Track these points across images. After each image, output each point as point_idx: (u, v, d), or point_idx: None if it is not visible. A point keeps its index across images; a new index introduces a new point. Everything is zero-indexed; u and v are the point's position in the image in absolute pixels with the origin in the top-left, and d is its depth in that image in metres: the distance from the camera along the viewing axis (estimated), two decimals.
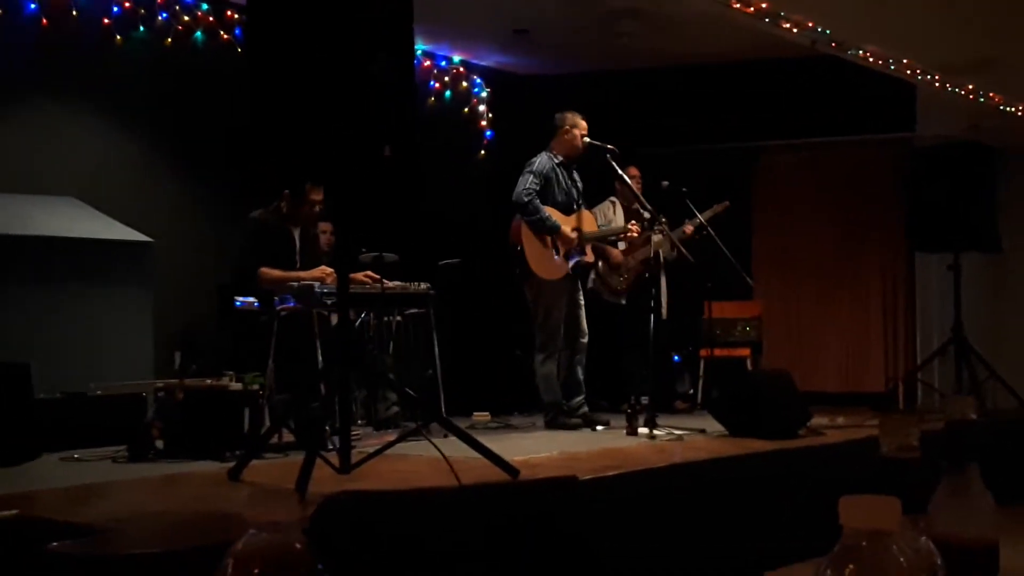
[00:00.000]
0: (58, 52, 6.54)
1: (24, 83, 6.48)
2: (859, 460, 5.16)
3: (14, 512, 3.37)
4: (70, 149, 6.66)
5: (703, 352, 7.95)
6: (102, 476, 4.44)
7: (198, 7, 7.16)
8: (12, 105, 6.43)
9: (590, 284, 7.51)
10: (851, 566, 0.93)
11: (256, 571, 0.82)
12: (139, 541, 3.25)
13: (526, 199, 6.30)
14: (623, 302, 7.44)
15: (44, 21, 6.43)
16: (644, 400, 6.01)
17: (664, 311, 7.48)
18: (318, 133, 3.99)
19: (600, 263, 7.36)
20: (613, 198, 7.42)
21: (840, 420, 6.44)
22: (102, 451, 5.06)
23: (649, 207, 6.46)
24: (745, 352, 8.09)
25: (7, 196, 6.07)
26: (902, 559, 0.93)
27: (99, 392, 5.50)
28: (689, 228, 7.26)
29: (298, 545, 0.83)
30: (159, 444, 5.06)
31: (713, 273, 7.32)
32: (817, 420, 5.90)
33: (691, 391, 7.77)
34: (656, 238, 6.83)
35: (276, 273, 5.81)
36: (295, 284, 5.63)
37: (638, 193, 6.71)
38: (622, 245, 7.36)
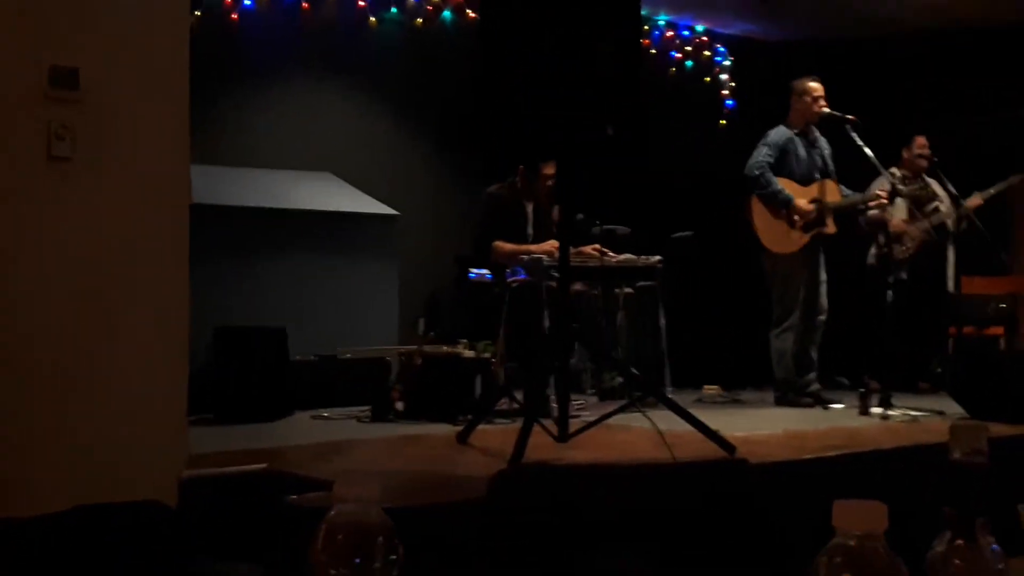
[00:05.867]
0: (316, 35, 6.97)
1: (286, 65, 6.93)
2: None
3: (263, 466, 3.70)
4: (327, 127, 7.09)
5: (951, 330, 7.59)
6: (345, 434, 4.75)
7: None
8: (274, 86, 6.90)
9: (870, 260, 7.24)
10: (839, 558, 0.98)
11: (340, 538, 0.96)
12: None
13: (757, 172, 6.22)
14: (904, 276, 7.17)
15: (305, 5, 6.86)
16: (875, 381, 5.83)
17: (951, 284, 7.27)
18: (546, 112, 4.14)
19: (879, 236, 7.12)
20: (894, 169, 7.01)
21: None
22: (348, 411, 5.42)
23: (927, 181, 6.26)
24: (998, 331, 7.64)
25: (269, 172, 6.54)
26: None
27: (348, 356, 5.86)
28: (977, 200, 6.97)
29: (376, 519, 0.96)
30: (399, 406, 5.38)
31: (964, 247, 6.98)
32: None
33: (938, 371, 7.42)
34: (943, 208, 6.54)
35: (509, 246, 6.01)
36: (525, 257, 5.82)
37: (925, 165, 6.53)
38: (902, 214, 7.06)
